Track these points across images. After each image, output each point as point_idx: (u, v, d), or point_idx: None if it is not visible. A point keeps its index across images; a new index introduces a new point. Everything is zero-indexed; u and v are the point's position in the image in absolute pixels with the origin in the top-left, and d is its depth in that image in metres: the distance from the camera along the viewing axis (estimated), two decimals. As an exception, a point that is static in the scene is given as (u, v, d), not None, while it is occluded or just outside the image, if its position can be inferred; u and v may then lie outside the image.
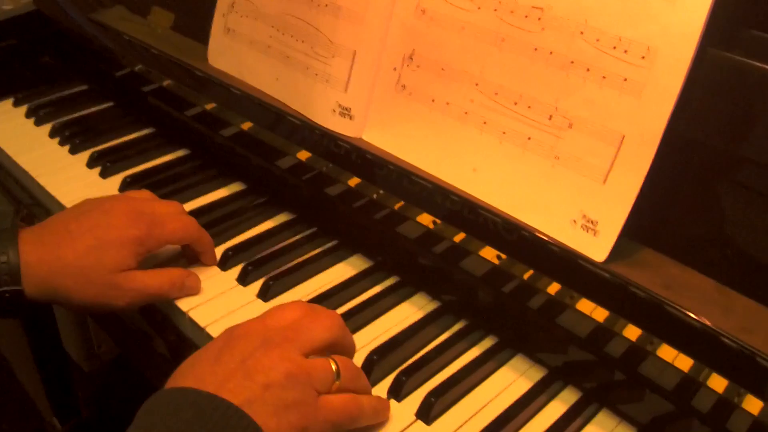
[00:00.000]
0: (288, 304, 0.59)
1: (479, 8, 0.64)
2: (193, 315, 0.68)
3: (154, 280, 0.68)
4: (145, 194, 0.74)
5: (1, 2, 1.14)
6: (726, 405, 0.53)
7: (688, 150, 0.57)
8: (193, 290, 0.70)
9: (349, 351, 0.60)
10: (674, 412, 0.58)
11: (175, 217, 0.71)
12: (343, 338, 0.59)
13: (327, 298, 0.71)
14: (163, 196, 0.79)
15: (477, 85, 0.65)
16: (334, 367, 0.55)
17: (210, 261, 0.75)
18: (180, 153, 0.96)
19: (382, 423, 0.60)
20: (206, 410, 0.48)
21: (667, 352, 0.56)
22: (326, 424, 0.53)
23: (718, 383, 0.53)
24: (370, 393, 0.60)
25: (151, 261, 0.72)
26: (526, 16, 0.61)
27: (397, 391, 0.62)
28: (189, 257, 0.75)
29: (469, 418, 0.61)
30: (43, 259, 0.65)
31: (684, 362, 0.55)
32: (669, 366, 0.55)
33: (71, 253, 0.65)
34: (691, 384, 0.55)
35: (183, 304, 0.69)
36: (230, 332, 0.56)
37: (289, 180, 0.82)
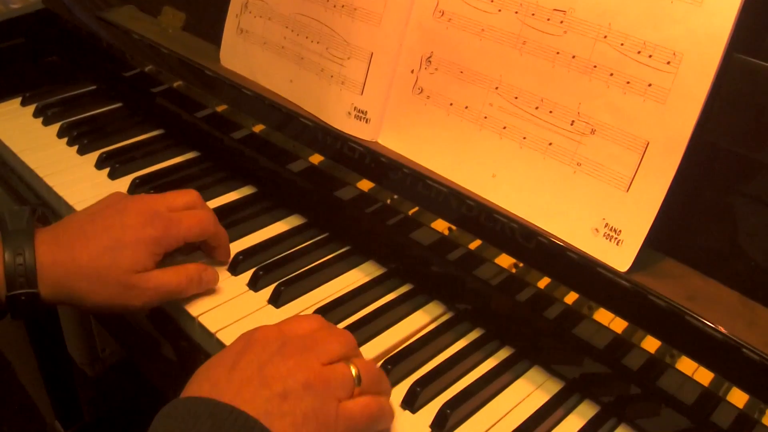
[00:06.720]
0: (304, 315, 0.58)
1: (500, 10, 0.63)
2: (203, 320, 0.67)
3: (171, 278, 0.66)
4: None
5: (9, 1, 1.13)
6: (747, 420, 0.52)
7: (714, 158, 0.56)
8: (212, 284, 0.69)
9: None
10: (693, 428, 0.57)
11: (191, 214, 0.69)
12: (356, 357, 0.57)
13: (339, 305, 0.70)
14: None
15: (497, 89, 0.63)
16: (354, 371, 0.54)
17: (224, 257, 0.74)
18: (190, 155, 0.95)
19: (397, 434, 0.58)
20: (224, 423, 0.47)
21: (686, 366, 0.54)
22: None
23: (738, 398, 0.52)
24: (390, 395, 0.59)
25: (165, 257, 0.70)
26: (548, 19, 0.60)
27: (412, 403, 0.61)
28: (204, 251, 0.73)
29: None
30: (58, 260, 0.64)
31: (703, 376, 0.54)
32: (688, 380, 0.54)
33: (86, 254, 0.64)
34: (711, 398, 0.54)
35: (193, 309, 0.68)
36: (247, 337, 0.55)
37: (301, 184, 0.81)
